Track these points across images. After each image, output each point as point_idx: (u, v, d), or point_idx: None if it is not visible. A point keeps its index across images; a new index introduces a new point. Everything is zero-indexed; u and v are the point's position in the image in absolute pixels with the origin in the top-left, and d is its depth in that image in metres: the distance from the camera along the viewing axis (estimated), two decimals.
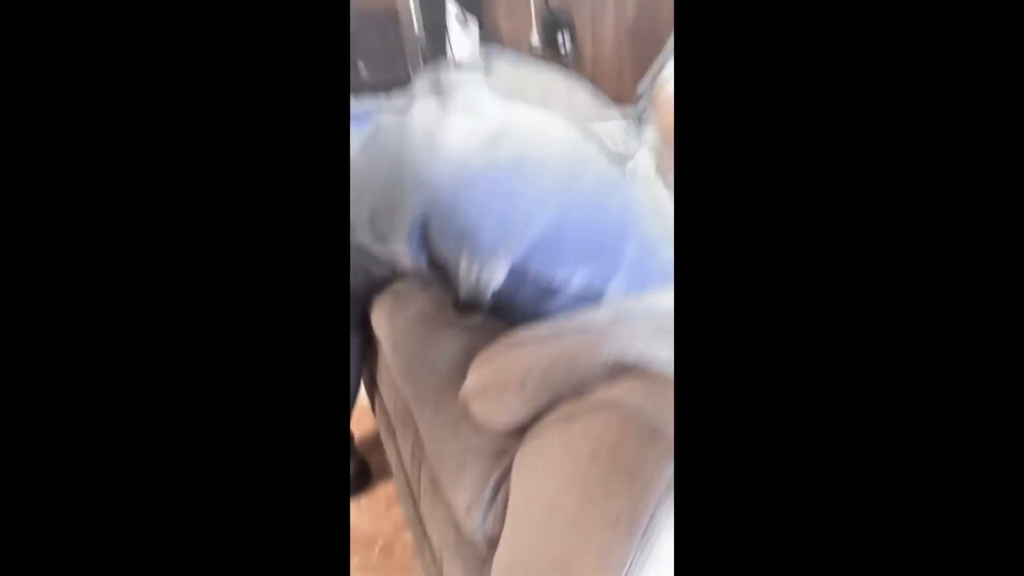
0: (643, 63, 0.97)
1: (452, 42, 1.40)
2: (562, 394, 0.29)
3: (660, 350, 0.27)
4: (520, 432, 0.34)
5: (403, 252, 0.36)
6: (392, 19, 1.32)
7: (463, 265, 0.30)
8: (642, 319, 0.31)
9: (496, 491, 0.36)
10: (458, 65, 1.44)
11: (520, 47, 1.50)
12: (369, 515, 0.83)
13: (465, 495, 0.39)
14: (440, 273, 0.33)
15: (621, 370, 0.27)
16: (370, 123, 0.36)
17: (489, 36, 1.51)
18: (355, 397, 0.72)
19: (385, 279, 0.53)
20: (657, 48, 0.95)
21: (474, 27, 1.46)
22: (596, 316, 0.34)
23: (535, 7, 1.41)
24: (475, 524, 0.38)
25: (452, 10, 1.39)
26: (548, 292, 0.33)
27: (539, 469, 0.30)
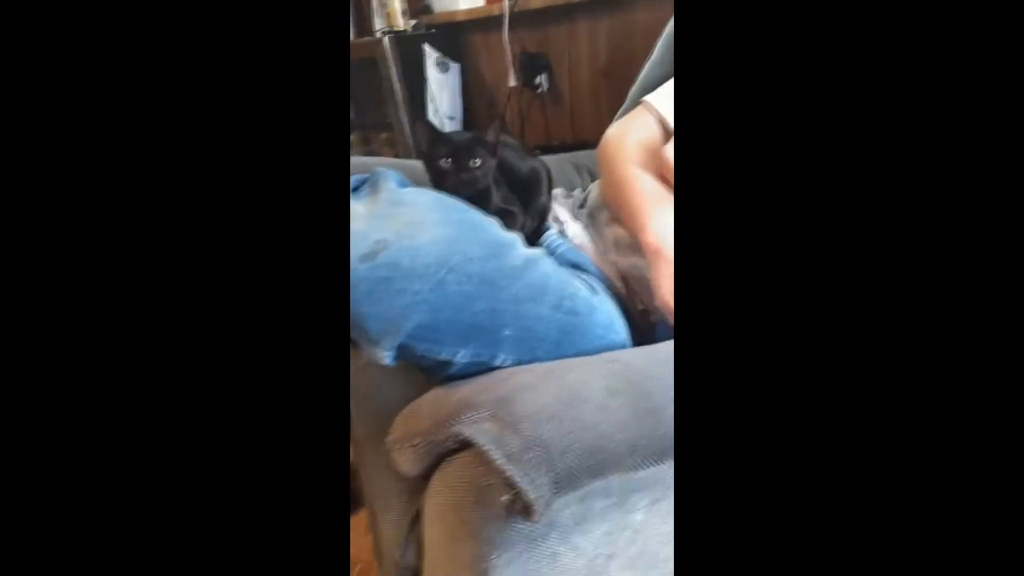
0: (617, 102, 1.03)
1: (432, 87, 1.49)
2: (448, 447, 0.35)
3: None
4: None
5: None
6: (372, 66, 1.40)
7: (361, 345, 0.37)
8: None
9: (411, 529, 0.42)
10: (437, 110, 1.52)
11: (499, 88, 1.58)
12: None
13: (389, 530, 0.44)
14: None
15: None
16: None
17: (470, 79, 1.60)
18: None
19: None
20: (630, 88, 1.02)
21: (454, 72, 1.54)
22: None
23: (512, 51, 1.49)
24: (399, 558, 0.43)
25: (431, 55, 1.48)
26: (442, 363, 0.39)
27: (429, 513, 0.35)
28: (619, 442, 0.32)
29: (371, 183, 0.42)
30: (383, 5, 1.49)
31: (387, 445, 0.45)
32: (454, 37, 1.57)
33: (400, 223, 0.36)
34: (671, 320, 0.54)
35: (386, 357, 0.37)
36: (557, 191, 0.83)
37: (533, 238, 0.66)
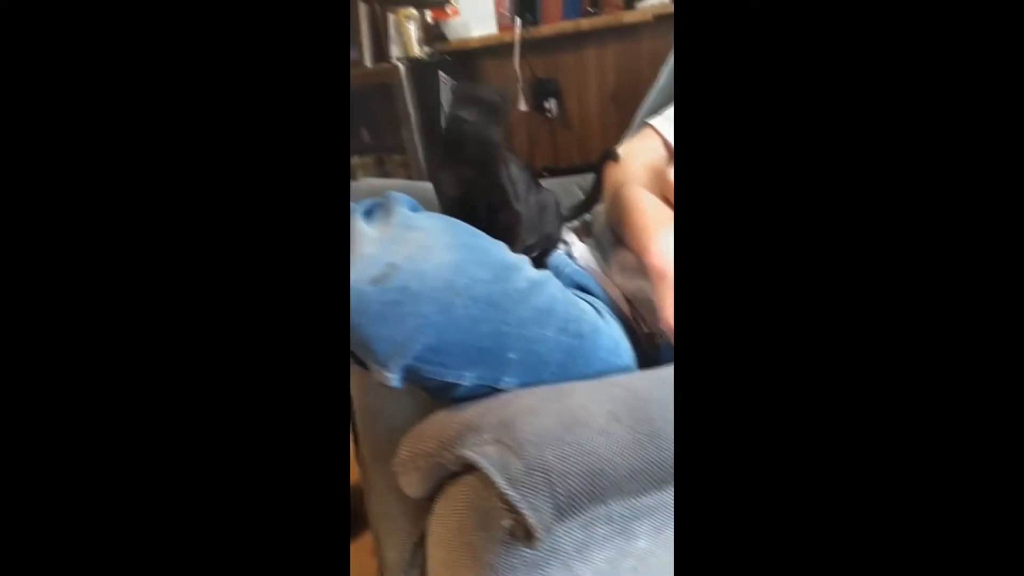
0: (624, 126, 1.05)
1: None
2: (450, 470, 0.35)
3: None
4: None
5: None
6: (387, 91, 1.44)
7: (369, 367, 0.38)
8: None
9: (415, 552, 0.42)
10: None
11: (511, 113, 1.61)
12: (353, 560, 0.88)
13: (393, 553, 0.44)
14: None
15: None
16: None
17: None
18: None
19: None
20: (636, 112, 1.03)
21: None
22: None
23: (523, 76, 1.53)
24: None
25: (446, 81, 1.52)
26: (447, 386, 0.40)
27: (433, 536, 0.36)
28: (620, 467, 0.32)
29: (384, 207, 0.43)
30: (400, 33, 1.54)
31: (393, 467, 0.45)
32: (468, 64, 1.61)
33: (410, 247, 0.37)
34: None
35: (393, 379, 0.37)
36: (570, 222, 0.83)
37: (540, 259, 0.66)
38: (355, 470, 1.01)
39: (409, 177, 1.59)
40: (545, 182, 1.29)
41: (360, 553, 0.89)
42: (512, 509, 0.29)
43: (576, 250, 0.72)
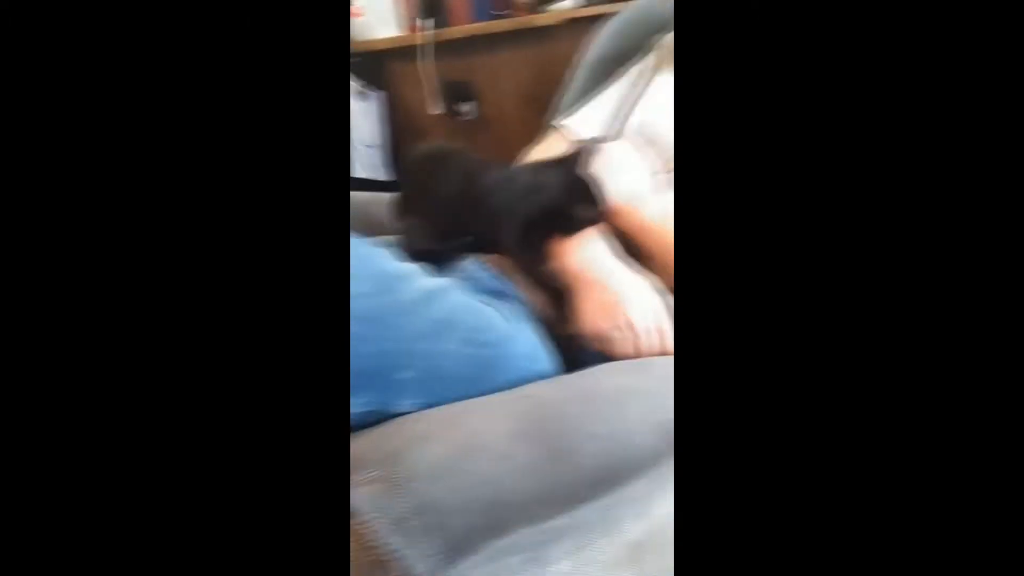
0: (544, 127, 1.04)
1: (353, 115, 1.45)
2: None
3: None
4: None
5: None
6: None
7: None
8: None
9: None
10: (360, 139, 1.48)
11: (424, 116, 1.56)
12: None
13: None
14: None
15: None
16: None
17: (393, 108, 1.57)
18: None
19: None
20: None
21: (376, 100, 1.52)
22: None
23: (435, 79, 1.49)
24: None
25: (353, 86, 1.45)
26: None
27: None
28: (524, 493, 0.28)
29: None
30: None
31: None
32: (376, 66, 1.54)
33: None
34: (596, 347, 0.53)
35: None
36: None
37: (445, 264, 0.63)
38: None
39: None
40: None
41: None
42: (395, 559, 0.25)
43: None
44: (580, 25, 1.36)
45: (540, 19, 1.39)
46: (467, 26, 1.45)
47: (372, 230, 0.64)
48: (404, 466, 0.28)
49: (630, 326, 0.49)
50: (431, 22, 1.41)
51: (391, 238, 0.61)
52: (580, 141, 0.76)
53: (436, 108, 1.52)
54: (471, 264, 0.64)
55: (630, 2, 1.00)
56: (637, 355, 0.48)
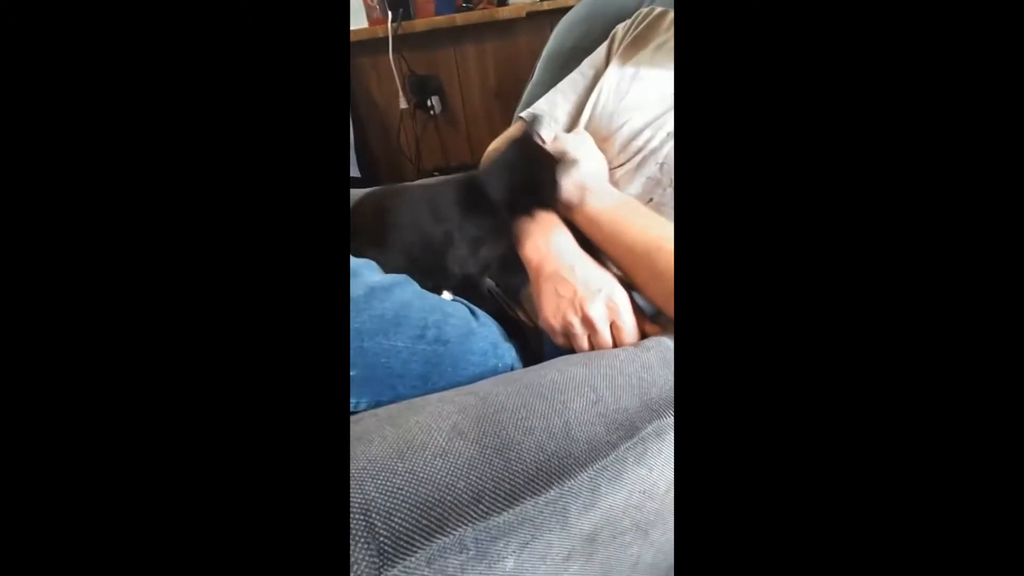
0: (510, 123, 1.03)
1: None
2: None
3: None
4: None
5: None
6: None
7: None
8: None
9: None
10: None
11: (391, 111, 1.54)
12: None
13: None
14: None
15: None
16: None
17: (359, 102, 1.55)
18: None
19: None
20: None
21: None
22: None
23: (401, 73, 1.47)
24: None
25: None
26: None
27: None
28: (461, 491, 0.28)
29: None
30: None
31: None
32: None
33: None
34: (556, 340, 0.53)
35: None
36: None
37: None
38: None
39: None
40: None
41: None
42: None
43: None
44: (543, 19, 1.36)
45: (503, 12, 1.38)
46: (432, 18, 1.43)
47: None
48: None
49: (588, 321, 0.49)
50: (396, 14, 1.39)
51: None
52: (527, 121, 0.76)
53: (404, 103, 1.50)
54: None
55: None
56: (597, 349, 0.48)
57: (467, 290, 0.60)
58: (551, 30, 1.01)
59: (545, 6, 1.35)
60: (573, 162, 0.58)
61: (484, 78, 1.50)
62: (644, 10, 0.75)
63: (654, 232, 0.49)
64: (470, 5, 1.40)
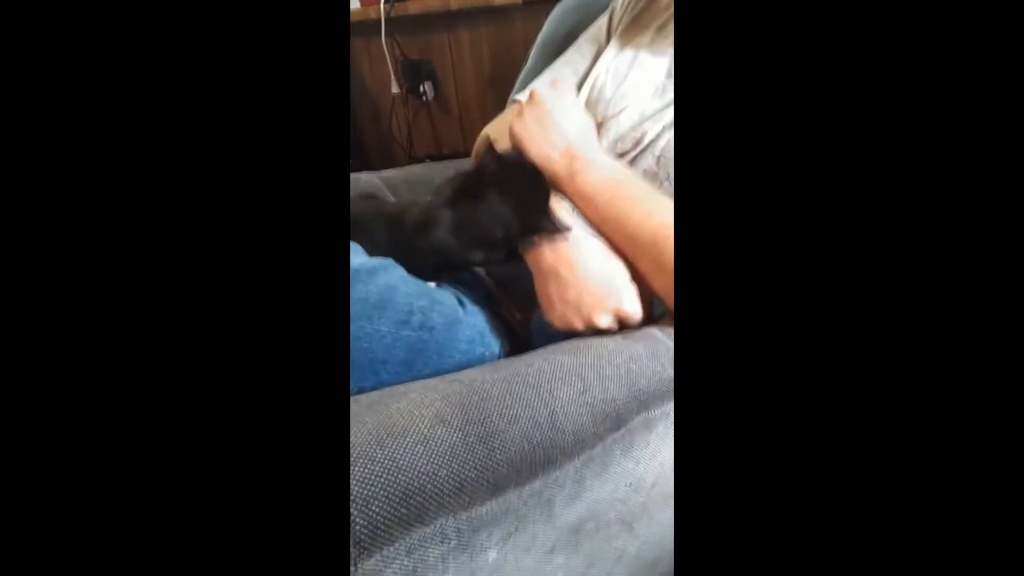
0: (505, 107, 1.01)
1: None
2: None
3: None
4: None
5: None
6: None
7: None
8: None
9: None
10: None
11: (383, 96, 1.51)
12: None
13: None
14: None
15: None
16: None
17: (352, 85, 1.52)
18: None
19: None
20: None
21: None
22: None
23: (393, 57, 1.44)
24: None
25: None
26: None
27: None
28: (442, 480, 0.27)
29: None
30: None
31: None
32: None
33: None
34: (557, 326, 0.51)
35: None
36: None
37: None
38: None
39: None
40: (428, 168, 1.21)
41: None
42: None
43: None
44: (538, 7, 1.34)
45: None
46: (427, 2, 1.40)
47: None
48: None
49: (596, 332, 0.47)
50: None
51: None
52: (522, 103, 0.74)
53: (396, 88, 1.47)
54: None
55: None
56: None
57: (453, 274, 0.59)
58: (544, 18, 0.99)
59: None
60: (564, 116, 0.55)
61: (478, 65, 1.47)
62: None
63: (659, 218, 0.46)
64: None
